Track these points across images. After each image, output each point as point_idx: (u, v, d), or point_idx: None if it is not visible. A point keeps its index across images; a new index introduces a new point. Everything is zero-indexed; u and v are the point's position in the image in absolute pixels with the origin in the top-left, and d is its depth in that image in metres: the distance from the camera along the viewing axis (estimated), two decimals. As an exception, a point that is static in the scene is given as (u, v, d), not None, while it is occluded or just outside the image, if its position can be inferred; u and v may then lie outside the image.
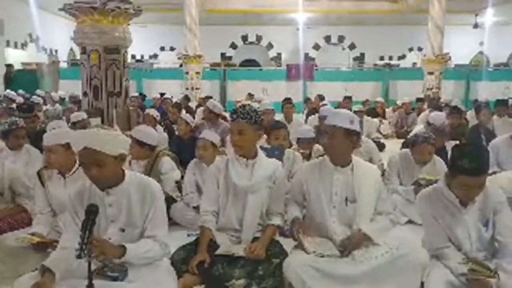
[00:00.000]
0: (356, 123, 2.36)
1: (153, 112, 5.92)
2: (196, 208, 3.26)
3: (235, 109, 2.54)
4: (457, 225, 2.23)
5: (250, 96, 11.42)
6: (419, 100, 10.35)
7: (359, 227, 2.34)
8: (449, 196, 2.21)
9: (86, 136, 1.96)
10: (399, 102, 10.22)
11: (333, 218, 2.40)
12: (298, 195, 2.54)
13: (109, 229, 2.10)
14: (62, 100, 10.26)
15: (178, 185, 3.81)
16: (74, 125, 4.65)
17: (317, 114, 6.77)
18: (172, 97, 10.18)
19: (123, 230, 2.11)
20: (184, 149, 4.63)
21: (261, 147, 3.52)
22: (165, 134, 5.86)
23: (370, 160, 4.40)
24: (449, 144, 5.64)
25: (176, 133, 5.49)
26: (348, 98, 9.51)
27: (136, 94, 10.44)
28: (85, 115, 4.89)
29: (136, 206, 2.10)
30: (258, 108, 4.79)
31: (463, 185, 2.10)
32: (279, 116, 6.47)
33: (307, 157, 4.27)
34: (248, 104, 2.67)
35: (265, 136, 3.85)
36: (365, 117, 7.12)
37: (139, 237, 2.13)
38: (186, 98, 10.60)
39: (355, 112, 6.79)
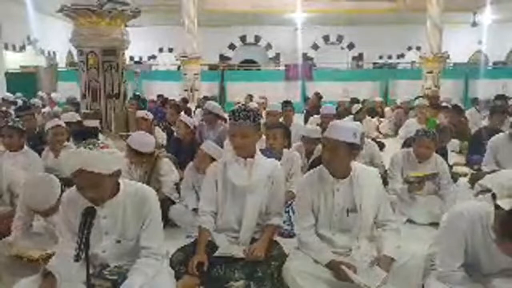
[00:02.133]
0: (358, 135, 2.27)
1: (143, 114, 5.70)
2: (195, 210, 3.25)
3: (235, 111, 2.48)
4: (486, 257, 2.04)
5: (250, 97, 11.41)
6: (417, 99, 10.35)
7: (383, 253, 2.27)
8: (491, 232, 1.94)
9: (79, 157, 1.85)
10: (398, 102, 10.23)
11: (334, 229, 2.38)
12: (308, 209, 2.40)
13: (103, 241, 2.05)
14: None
15: (177, 187, 3.82)
16: (68, 125, 4.60)
17: (315, 116, 6.74)
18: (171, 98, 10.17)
19: (119, 242, 2.07)
20: (183, 151, 4.62)
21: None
22: (164, 134, 5.86)
23: (371, 162, 4.40)
24: (450, 144, 5.68)
25: (175, 134, 5.48)
26: (356, 101, 9.53)
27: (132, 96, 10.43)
28: (77, 117, 4.87)
29: (132, 218, 2.06)
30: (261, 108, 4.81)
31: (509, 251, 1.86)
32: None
33: (310, 154, 4.30)
34: (245, 104, 2.65)
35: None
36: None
37: (135, 248, 2.09)
38: (184, 100, 10.60)
39: (356, 113, 6.84)
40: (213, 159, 3.35)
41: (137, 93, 11.25)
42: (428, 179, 3.61)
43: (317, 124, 5.43)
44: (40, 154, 4.10)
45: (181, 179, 3.80)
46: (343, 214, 2.35)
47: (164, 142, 5.62)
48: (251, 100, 10.73)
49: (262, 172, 2.51)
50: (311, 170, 2.52)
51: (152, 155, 3.64)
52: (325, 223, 2.38)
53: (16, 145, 3.73)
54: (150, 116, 5.72)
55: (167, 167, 3.68)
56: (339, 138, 2.23)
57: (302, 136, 4.40)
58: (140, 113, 5.77)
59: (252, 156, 2.53)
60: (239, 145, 2.46)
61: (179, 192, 3.75)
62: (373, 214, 2.38)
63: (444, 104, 8.82)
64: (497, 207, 1.82)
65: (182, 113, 7.17)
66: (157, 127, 5.96)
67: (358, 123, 2.43)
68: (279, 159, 3.58)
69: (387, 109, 10.44)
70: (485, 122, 8.18)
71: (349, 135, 2.23)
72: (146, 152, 3.54)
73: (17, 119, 4.40)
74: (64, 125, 4.39)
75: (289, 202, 3.32)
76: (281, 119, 6.31)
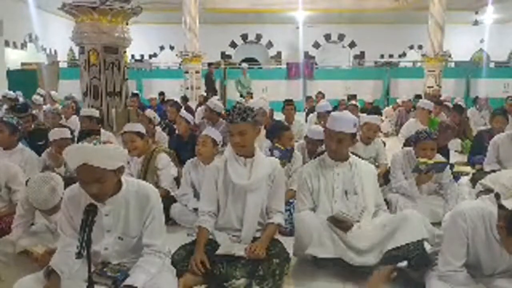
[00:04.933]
0: (357, 124, 2.59)
1: (150, 114, 5.61)
2: (195, 210, 3.25)
3: (231, 110, 2.52)
4: (488, 257, 2.05)
5: (250, 95, 11.40)
6: (417, 97, 10.36)
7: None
8: (494, 230, 1.96)
9: (84, 152, 1.86)
10: (399, 101, 10.24)
11: (335, 211, 2.50)
12: (307, 193, 2.60)
13: (106, 238, 2.07)
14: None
15: (178, 183, 3.83)
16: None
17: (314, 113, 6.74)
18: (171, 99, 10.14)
19: (121, 239, 2.09)
20: (184, 148, 4.62)
21: (274, 148, 3.55)
22: (165, 134, 5.84)
23: (376, 157, 4.47)
24: (452, 143, 5.67)
25: (177, 132, 5.47)
26: (353, 97, 9.54)
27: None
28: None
29: (134, 215, 2.07)
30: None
31: None
32: (280, 117, 6.45)
33: (312, 154, 4.32)
34: (241, 103, 2.68)
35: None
36: (364, 116, 7.09)
37: (137, 245, 2.10)
38: (185, 98, 10.59)
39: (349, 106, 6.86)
40: (214, 143, 3.45)
41: (136, 92, 11.22)
42: (437, 169, 3.54)
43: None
44: (38, 152, 4.06)
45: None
46: (342, 198, 2.53)
47: (166, 143, 5.59)
48: (251, 98, 10.72)
49: (262, 171, 2.53)
50: (313, 159, 2.78)
51: (147, 141, 3.69)
52: (327, 208, 2.52)
53: (6, 141, 3.62)
54: (157, 120, 5.65)
55: (165, 161, 3.68)
56: (345, 130, 2.49)
57: (305, 136, 4.44)
58: (148, 113, 5.64)
59: (252, 155, 2.55)
60: (238, 143, 2.47)
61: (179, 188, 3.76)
62: (374, 197, 2.58)
63: (445, 103, 8.81)
64: (501, 207, 1.83)
65: (183, 110, 7.16)
66: (158, 128, 5.95)
67: (351, 115, 2.65)
68: (291, 157, 3.69)
69: (387, 108, 10.44)
70: (484, 120, 8.19)
71: (351, 126, 2.52)
72: (138, 132, 3.61)
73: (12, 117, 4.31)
74: (69, 136, 4.14)
75: (291, 201, 3.32)
76: (282, 117, 6.33)
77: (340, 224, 2.40)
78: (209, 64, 12.94)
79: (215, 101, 5.83)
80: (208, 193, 2.61)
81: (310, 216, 2.50)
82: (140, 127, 3.68)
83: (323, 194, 2.53)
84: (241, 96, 11.81)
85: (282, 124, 4.52)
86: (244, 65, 13.29)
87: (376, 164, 4.42)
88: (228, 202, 2.57)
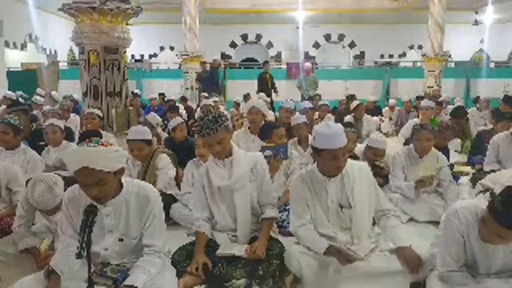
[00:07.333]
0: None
1: (152, 119, 5.63)
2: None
3: (203, 125, 2.44)
4: (482, 257, 2.05)
5: (246, 97, 11.34)
6: (418, 98, 10.37)
7: (399, 245, 2.27)
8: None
9: (84, 155, 1.84)
10: (391, 102, 10.29)
11: (333, 225, 2.42)
12: (304, 204, 2.44)
13: (106, 239, 2.07)
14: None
15: (177, 183, 3.85)
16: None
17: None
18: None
19: (121, 240, 2.09)
20: (179, 150, 4.61)
21: (264, 147, 3.53)
22: (166, 134, 5.85)
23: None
24: (452, 143, 5.66)
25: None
26: (352, 97, 9.52)
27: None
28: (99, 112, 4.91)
29: (135, 216, 2.07)
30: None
31: (496, 234, 1.86)
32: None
33: (305, 139, 4.47)
34: (208, 112, 2.64)
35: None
36: (365, 116, 7.09)
37: (137, 246, 2.11)
38: (183, 99, 10.59)
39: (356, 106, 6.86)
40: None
41: (136, 91, 11.21)
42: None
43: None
44: (40, 152, 4.07)
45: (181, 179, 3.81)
46: (338, 211, 2.40)
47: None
48: (247, 99, 10.62)
49: (243, 168, 2.54)
50: (303, 170, 2.59)
51: (151, 144, 3.68)
52: (324, 222, 2.42)
53: (11, 142, 3.64)
54: (159, 123, 5.71)
55: (165, 162, 3.69)
56: (345, 143, 2.30)
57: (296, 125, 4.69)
58: (152, 119, 5.67)
59: (229, 155, 2.56)
60: (219, 152, 2.50)
61: (179, 188, 3.76)
62: (368, 210, 2.42)
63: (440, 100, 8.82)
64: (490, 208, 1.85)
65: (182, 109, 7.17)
66: (158, 129, 5.97)
67: (339, 124, 2.42)
68: (286, 153, 3.65)
69: (387, 108, 10.45)
70: (484, 120, 8.18)
71: (344, 138, 2.31)
72: (146, 139, 3.60)
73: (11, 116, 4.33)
74: (59, 124, 4.28)
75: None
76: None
77: (342, 256, 2.21)
78: (265, 63, 11.86)
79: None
80: (198, 199, 2.63)
81: (301, 253, 2.36)
82: (147, 133, 3.63)
83: (318, 209, 2.42)
84: (303, 97, 10.20)
85: (272, 123, 4.51)
86: (307, 64, 11.71)
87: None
88: (219, 205, 2.58)
